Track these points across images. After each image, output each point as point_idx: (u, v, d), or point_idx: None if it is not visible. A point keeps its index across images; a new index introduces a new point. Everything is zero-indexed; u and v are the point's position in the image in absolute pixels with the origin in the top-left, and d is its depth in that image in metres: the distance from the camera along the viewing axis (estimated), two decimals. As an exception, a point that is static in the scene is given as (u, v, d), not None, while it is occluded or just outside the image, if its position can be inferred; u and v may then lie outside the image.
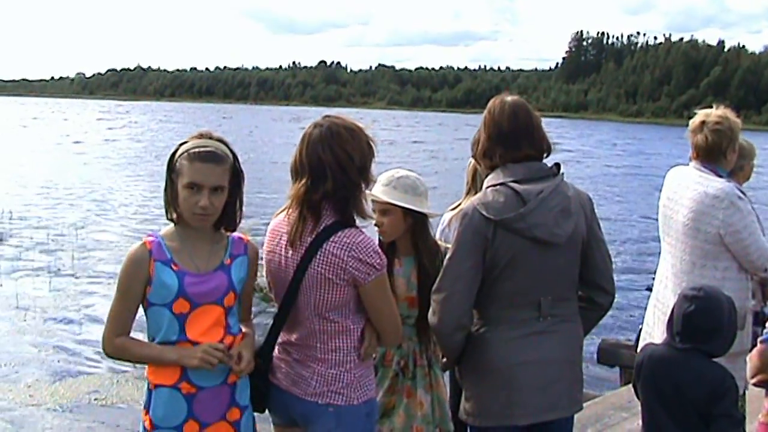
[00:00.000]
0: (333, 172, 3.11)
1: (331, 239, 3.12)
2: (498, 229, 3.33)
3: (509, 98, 3.56)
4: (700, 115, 4.62)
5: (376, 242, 3.21)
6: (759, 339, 3.78)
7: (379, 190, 3.91)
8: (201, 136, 3.14)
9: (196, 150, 3.05)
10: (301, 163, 3.19)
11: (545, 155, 3.53)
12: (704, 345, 3.42)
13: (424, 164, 38.02)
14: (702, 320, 3.42)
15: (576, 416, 3.70)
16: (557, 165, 3.51)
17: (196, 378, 3.10)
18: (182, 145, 3.13)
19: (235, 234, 3.32)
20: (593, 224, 3.55)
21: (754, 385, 3.84)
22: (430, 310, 3.49)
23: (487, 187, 3.45)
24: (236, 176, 3.18)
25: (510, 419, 3.44)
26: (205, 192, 3.03)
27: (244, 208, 3.27)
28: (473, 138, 3.73)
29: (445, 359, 3.71)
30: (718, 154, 4.54)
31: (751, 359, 3.79)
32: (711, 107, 4.69)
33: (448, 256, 3.44)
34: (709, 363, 3.43)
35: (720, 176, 4.52)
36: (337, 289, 3.14)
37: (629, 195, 31.62)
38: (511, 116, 3.47)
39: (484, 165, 3.63)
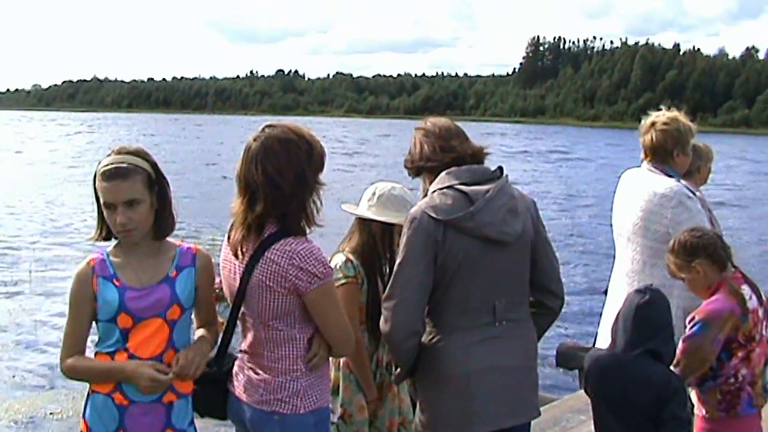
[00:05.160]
0: (265, 193, 3.08)
1: (272, 247, 3.09)
2: (448, 230, 3.32)
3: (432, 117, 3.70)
4: (652, 116, 4.70)
5: (321, 251, 3.16)
6: (681, 338, 3.80)
7: (364, 208, 4.07)
8: (113, 152, 3.15)
9: (102, 169, 3.08)
10: (239, 180, 3.17)
11: (483, 158, 3.56)
12: (650, 342, 3.44)
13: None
14: (651, 312, 3.48)
15: (534, 420, 3.65)
16: (500, 168, 3.53)
17: (129, 391, 3.10)
18: (100, 164, 3.13)
19: (185, 245, 3.31)
20: (539, 227, 3.55)
21: (689, 384, 3.85)
22: (382, 317, 3.43)
23: (434, 192, 3.43)
24: (156, 185, 3.16)
25: (468, 429, 3.38)
26: (119, 209, 3.05)
27: (181, 216, 3.26)
28: (405, 159, 3.69)
29: (398, 370, 3.65)
30: (664, 154, 4.61)
31: (679, 361, 3.77)
32: (660, 110, 4.75)
33: (398, 262, 3.39)
34: (654, 366, 3.45)
35: (670, 176, 4.57)
36: (279, 298, 3.12)
37: (588, 199, 31.81)
38: (436, 122, 3.60)
39: (426, 174, 3.59)
